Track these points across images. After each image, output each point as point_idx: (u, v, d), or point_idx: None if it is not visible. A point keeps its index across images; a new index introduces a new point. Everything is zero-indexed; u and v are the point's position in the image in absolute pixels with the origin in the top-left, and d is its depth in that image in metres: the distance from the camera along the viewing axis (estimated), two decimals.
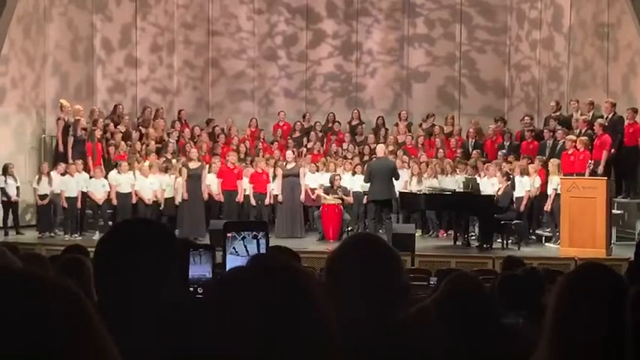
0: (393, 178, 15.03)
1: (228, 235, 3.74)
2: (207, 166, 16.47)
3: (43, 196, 15.64)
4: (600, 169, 14.89)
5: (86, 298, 1.27)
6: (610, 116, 15.90)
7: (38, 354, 1.18)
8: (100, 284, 2.31)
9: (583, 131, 15.77)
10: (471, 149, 17.78)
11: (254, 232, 3.78)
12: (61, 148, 16.76)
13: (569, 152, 15.29)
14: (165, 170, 16.13)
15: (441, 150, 17.65)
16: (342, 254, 2.47)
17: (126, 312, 2.13)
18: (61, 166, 15.89)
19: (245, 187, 16.45)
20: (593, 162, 14.67)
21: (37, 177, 15.82)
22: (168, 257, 2.30)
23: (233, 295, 1.47)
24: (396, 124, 19.49)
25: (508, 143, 17.47)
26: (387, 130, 19.44)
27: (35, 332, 1.18)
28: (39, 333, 1.18)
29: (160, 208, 15.81)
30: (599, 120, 15.64)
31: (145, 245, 2.27)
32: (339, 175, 16.52)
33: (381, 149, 15.67)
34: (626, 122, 15.55)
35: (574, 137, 15.53)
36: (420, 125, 19.47)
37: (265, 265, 1.57)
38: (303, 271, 1.57)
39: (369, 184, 15.21)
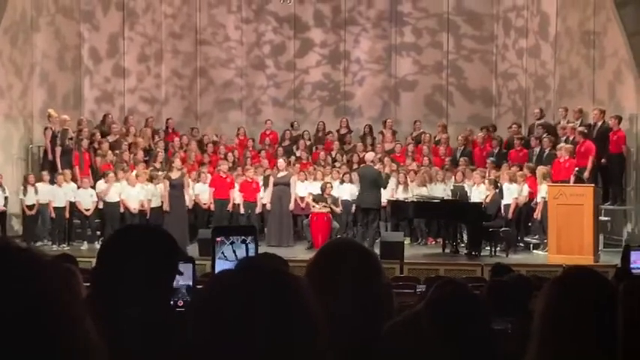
0: (381, 187, 15.08)
1: (217, 240, 3.75)
2: (198, 175, 16.49)
3: (30, 207, 15.64)
4: (586, 176, 14.97)
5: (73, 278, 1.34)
6: (599, 124, 15.99)
7: (24, 321, 1.24)
8: (96, 285, 2.33)
9: (571, 139, 15.85)
10: (458, 157, 17.84)
11: (242, 237, 3.79)
12: (50, 156, 16.77)
13: (562, 160, 15.34)
14: (151, 180, 16.11)
15: (426, 158, 17.73)
16: (321, 260, 2.48)
17: (118, 313, 2.14)
18: (46, 175, 15.91)
19: (235, 195, 16.46)
20: (578, 169, 14.75)
21: (22, 188, 15.79)
22: (166, 262, 2.33)
23: (222, 297, 1.49)
24: (381, 132, 19.52)
25: (497, 150, 17.53)
26: (374, 138, 19.49)
27: (24, 302, 1.25)
28: (27, 303, 1.25)
29: (147, 218, 15.77)
30: (579, 127, 15.75)
31: (144, 250, 2.29)
32: (330, 183, 16.54)
33: (368, 157, 15.74)
34: (611, 130, 15.63)
35: (563, 145, 15.61)
36: (411, 134, 19.50)
37: (253, 268, 1.58)
38: (291, 273, 1.58)
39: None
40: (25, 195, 15.68)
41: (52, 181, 15.96)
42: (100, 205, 15.86)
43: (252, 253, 3.77)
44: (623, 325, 1.75)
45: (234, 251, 3.76)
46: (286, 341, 1.44)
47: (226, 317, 1.45)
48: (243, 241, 3.76)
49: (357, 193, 15.94)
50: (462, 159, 17.32)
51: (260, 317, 1.44)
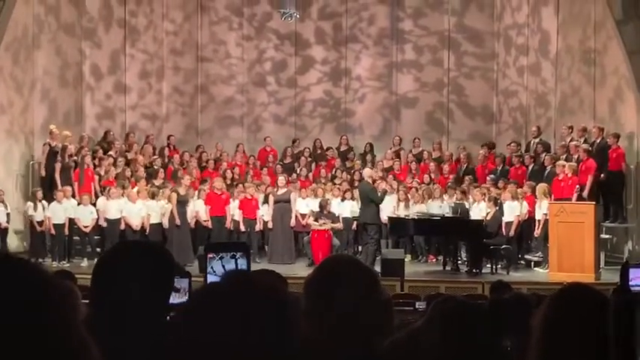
0: (375, 202, 15.15)
1: (209, 256, 3.79)
2: (197, 192, 16.48)
3: (40, 222, 15.66)
4: (586, 194, 14.95)
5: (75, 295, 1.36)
6: (598, 141, 15.98)
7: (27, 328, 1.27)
8: (94, 302, 2.32)
9: (576, 157, 15.84)
10: (461, 174, 17.87)
11: (232, 253, 3.82)
12: (42, 173, 16.77)
13: (560, 178, 15.33)
14: (152, 196, 16.10)
15: (426, 175, 17.75)
16: (318, 276, 2.47)
17: (116, 329, 2.14)
18: (39, 193, 15.95)
19: (234, 212, 16.44)
20: (579, 187, 14.74)
21: (31, 204, 15.81)
22: (162, 277, 2.32)
23: (205, 308, 1.50)
24: (390, 149, 19.50)
25: (500, 167, 17.53)
26: (374, 156, 19.50)
27: (26, 311, 1.27)
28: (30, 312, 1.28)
29: (146, 234, 15.73)
30: (583, 145, 15.74)
31: (140, 265, 2.29)
32: (328, 199, 16.53)
33: (365, 173, 15.88)
34: (610, 147, 15.63)
35: (564, 163, 15.59)
36: (410, 151, 19.51)
37: (236, 279, 1.59)
38: (273, 284, 1.59)
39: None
40: (35, 211, 15.69)
41: (45, 198, 15.93)
42: (102, 222, 15.83)
43: (242, 268, 3.80)
44: (614, 340, 1.75)
45: (223, 266, 3.79)
46: (267, 352, 1.45)
47: (209, 327, 1.46)
48: (233, 257, 3.79)
49: (357, 210, 15.98)
50: (467, 177, 17.33)
51: (242, 327, 1.45)
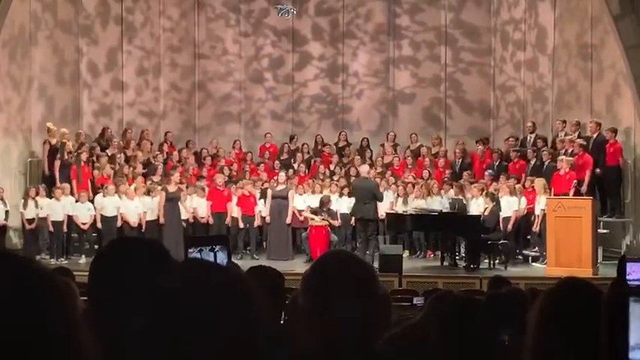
0: (378, 199, 15.13)
1: (189, 250, 3.82)
2: (195, 189, 16.46)
3: (30, 220, 15.64)
4: (584, 189, 14.97)
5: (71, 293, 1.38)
6: (595, 136, 16.00)
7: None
8: (91, 298, 2.33)
9: (570, 151, 15.86)
10: (457, 170, 17.86)
11: (211, 246, 3.84)
12: (47, 171, 16.77)
13: (561, 173, 15.33)
14: (148, 193, 16.09)
15: (426, 171, 17.73)
16: (314, 272, 2.48)
17: (112, 324, 2.15)
18: (42, 190, 15.91)
19: (232, 209, 16.45)
20: (577, 182, 14.76)
21: (22, 201, 15.80)
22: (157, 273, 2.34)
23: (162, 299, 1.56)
24: (382, 145, 19.51)
25: (497, 163, 17.52)
26: (371, 151, 19.50)
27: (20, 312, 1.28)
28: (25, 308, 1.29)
29: (142, 231, 15.70)
30: (578, 140, 15.76)
31: (135, 261, 2.29)
32: (329, 196, 16.52)
33: (363, 169, 15.82)
34: (607, 142, 15.64)
35: (564, 157, 15.60)
36: (408, 147, 19.49)
37: (188, 267, 1.64)
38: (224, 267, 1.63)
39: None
40: (25, 209, 15.68)
41: (49, 195, 15.94)
42: (98, 221, 15.80)
43: (221, 261, 3.82)
44: (606, 333, 1.76)
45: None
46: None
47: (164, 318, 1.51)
48: (212, 250, 3.82)
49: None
50: (465, 173, 17.31)
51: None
